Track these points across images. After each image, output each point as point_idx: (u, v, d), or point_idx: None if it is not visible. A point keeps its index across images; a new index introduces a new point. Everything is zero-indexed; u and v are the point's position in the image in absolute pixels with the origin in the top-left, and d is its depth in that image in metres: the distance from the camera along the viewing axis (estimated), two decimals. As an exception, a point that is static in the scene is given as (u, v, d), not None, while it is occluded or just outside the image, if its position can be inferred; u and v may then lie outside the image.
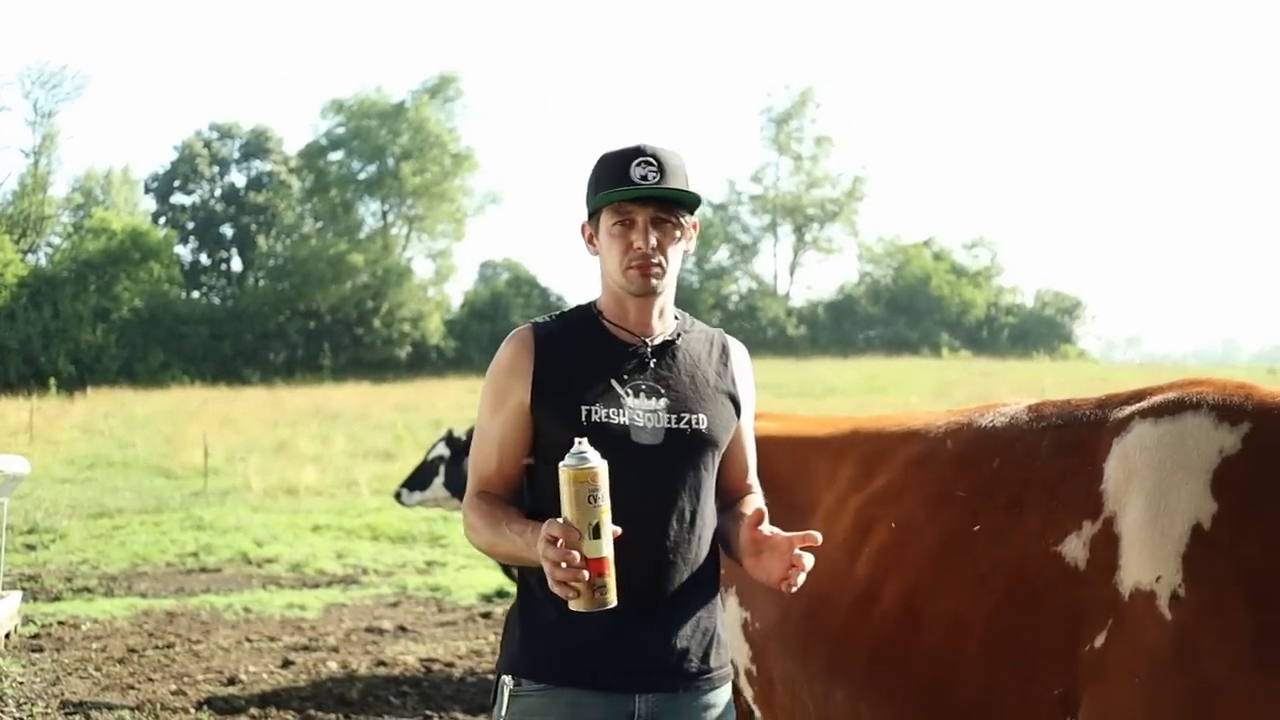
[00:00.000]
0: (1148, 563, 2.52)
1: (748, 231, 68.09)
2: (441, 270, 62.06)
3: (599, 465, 2.16)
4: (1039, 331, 65.43)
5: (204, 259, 60.39)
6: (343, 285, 56.41)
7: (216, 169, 60.70)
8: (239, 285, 59.52)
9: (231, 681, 7.00)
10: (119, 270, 50.39)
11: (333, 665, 7.40)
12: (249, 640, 8.08)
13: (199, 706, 6.48)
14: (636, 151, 2.46)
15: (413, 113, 59.55)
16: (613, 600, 2.16)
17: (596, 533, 2.14)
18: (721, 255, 66.88)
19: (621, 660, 2.33)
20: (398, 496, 8.05)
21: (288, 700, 6.61)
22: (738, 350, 2.65)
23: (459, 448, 7.77)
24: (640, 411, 2.43)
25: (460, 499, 7.76)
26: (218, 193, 60.63)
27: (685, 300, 62.71)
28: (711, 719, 2.44)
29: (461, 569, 10.83)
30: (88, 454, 21.20)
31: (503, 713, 2.39)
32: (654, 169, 2.44)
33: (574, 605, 2.16)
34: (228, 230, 60.10)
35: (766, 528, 2.35)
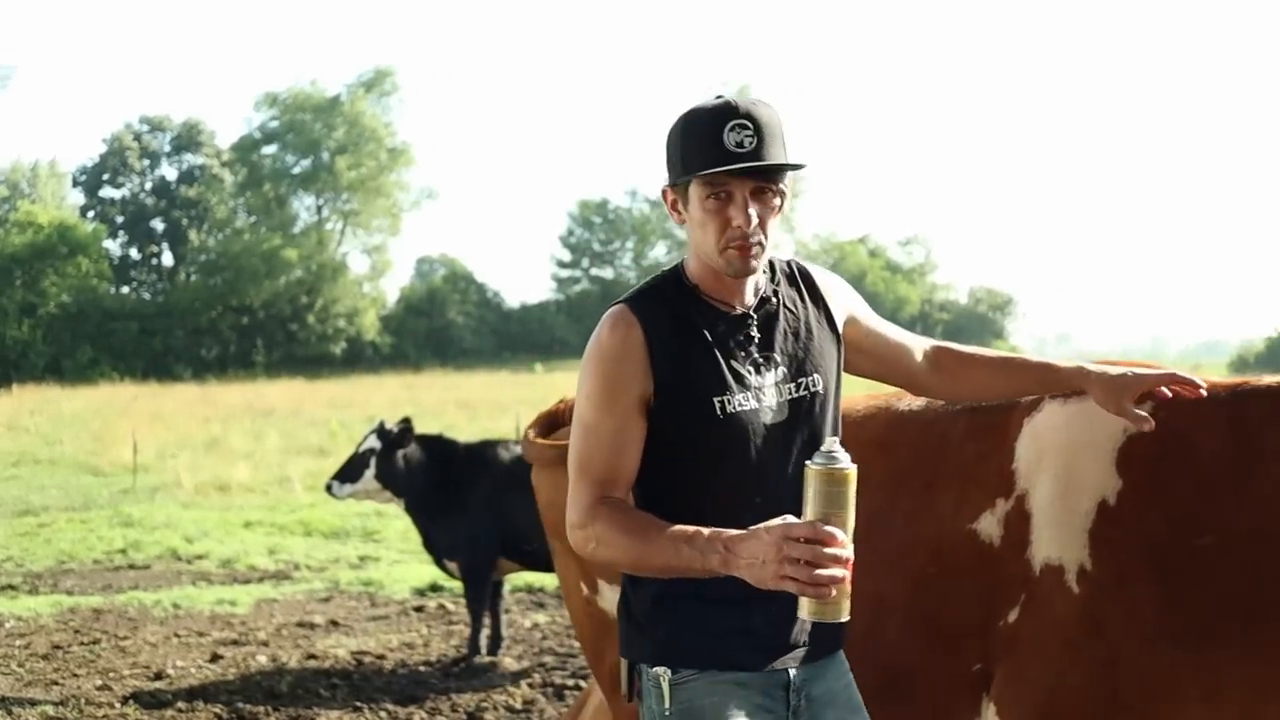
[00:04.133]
0: (1057, 539, 2.59)
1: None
2: (377, 266, 61.65)
3: (853, 467, 2.03)
4: (972, 328, 66.24)
5: (134, 253, 59.54)
6: (276, 281, 55.80)
7: (147, 162, 59.81)
8: (170, 280, 58.69)
9: (158, 676, 6.92)
10: (46, 265, 49.49)
11: (262, 659, 7.35)
12: (177, 636, 7.99)
13: (124, 701, 6.40)
14: (729, 111, 2.21)
15: (348, 106, 59.04)
16: (848, 613, 2.05)
17: (849, 534, 2.02)
18: (659, 251, 67.01)
19: (779, 638, 2.27)
20: (328, 489, 8.00)
21: (215, 694, 6.55)
22: (817, 275, 2.48)
23: (390, 440, 7.74)
24: (765, 389, 2.31)
25: (392, 491, 7.82)
26: (148, 186, 59.76)
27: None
28: (846, 677, 2.45)
29: (395, 563, 10.77)
30: (13, 451, 20.81)
31: (667, 705, 2.30)
32: (750, 133, 2.19)
33: (813, 613, 2.03)
34: (158, 224, 59.27)
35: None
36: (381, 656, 7.43)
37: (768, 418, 2.30)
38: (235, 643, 7.80)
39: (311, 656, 7.41)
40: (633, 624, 2.41)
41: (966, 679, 2.68)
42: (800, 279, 2.46)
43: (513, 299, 64.55)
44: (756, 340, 2.33)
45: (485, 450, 7.85)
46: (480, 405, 28.37)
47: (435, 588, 9.40)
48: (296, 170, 59.68)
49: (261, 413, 27.93)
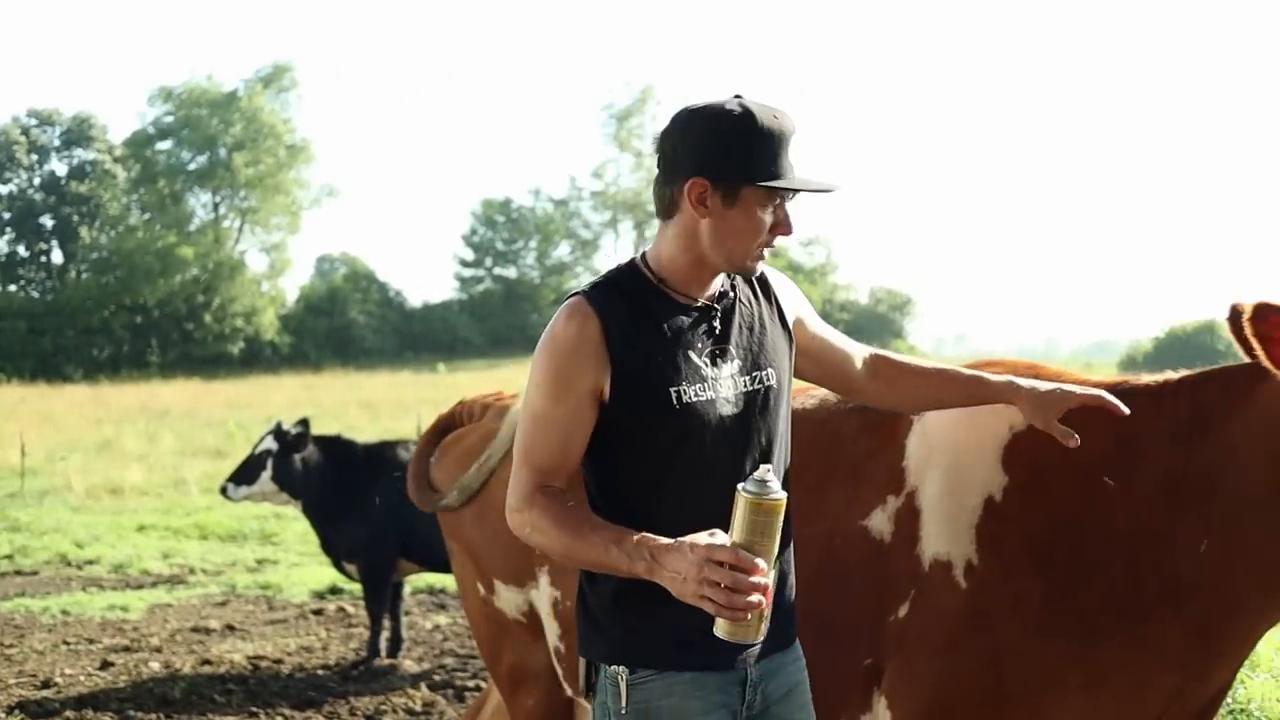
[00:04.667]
0: (945, 535, 2.65)
1: (589, 227, 68.31)
2: (276, 264, 60.66)
3: (783, 496, 2.06)
4: (872, 327, 67.13)
5: (22, 250, 57.79)
6: (171, 279, 54.61)
7: (35, 157, 58.11)
8: (60, 279, 57.11)
9: (46, 685, 6.74)
10: (-72, 262, 47.84)
11: (155, 666, 7.19)
12: (66, 643, 7.79)
13: (10, 711, 6.23)
14: (790, 126, 2.26)
15: (245, 102, 57.99)
16: (764, 633, 2.11)
17: (772, 563, 2.06)
18: (563, 251, 67.05)
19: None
20: (223, 491, 7.87)
21: (105, 702, 6.40)
22: (770, 274, 2.51)
23: (287, 441, 7.63)
24: (721, 380, 2.32)
25: (290, 493, 7.71)
26: (37, 182, 58.06)
27: (525, 295, 63.02)
28: (801, 674, 2.48)
29: (294, 566, 10.62)
30: (-107, 455, 20.10)
31: (623, 704, 2.31)
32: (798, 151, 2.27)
33: (729, 631, 2.06)
34: (47, 221, 57.62)
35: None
36: (279, 661, 7.32)
37: (724, 409, 2.32)
38: (127, 649, 7.62)
39: (206, 662, 7.27)
40: (590, 621, 2.41)
41: (858, 673, 2.73)
42: (757, 280, 2.49)
43: (415, 298, 64.09)
44: (715, 333, 2.35)
45: (385, 451, 7.79)
46: (382, 405, 28.09)
47: (335, 590, 9.29)
48: (192, 166, 58.49)
49: (156, 414, 27.33)
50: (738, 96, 2.28)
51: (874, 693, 2.69)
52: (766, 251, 2.33)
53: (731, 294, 2.41)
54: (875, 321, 69.30)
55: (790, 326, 2.50)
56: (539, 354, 2.32)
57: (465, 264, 65.74)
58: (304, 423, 7.75)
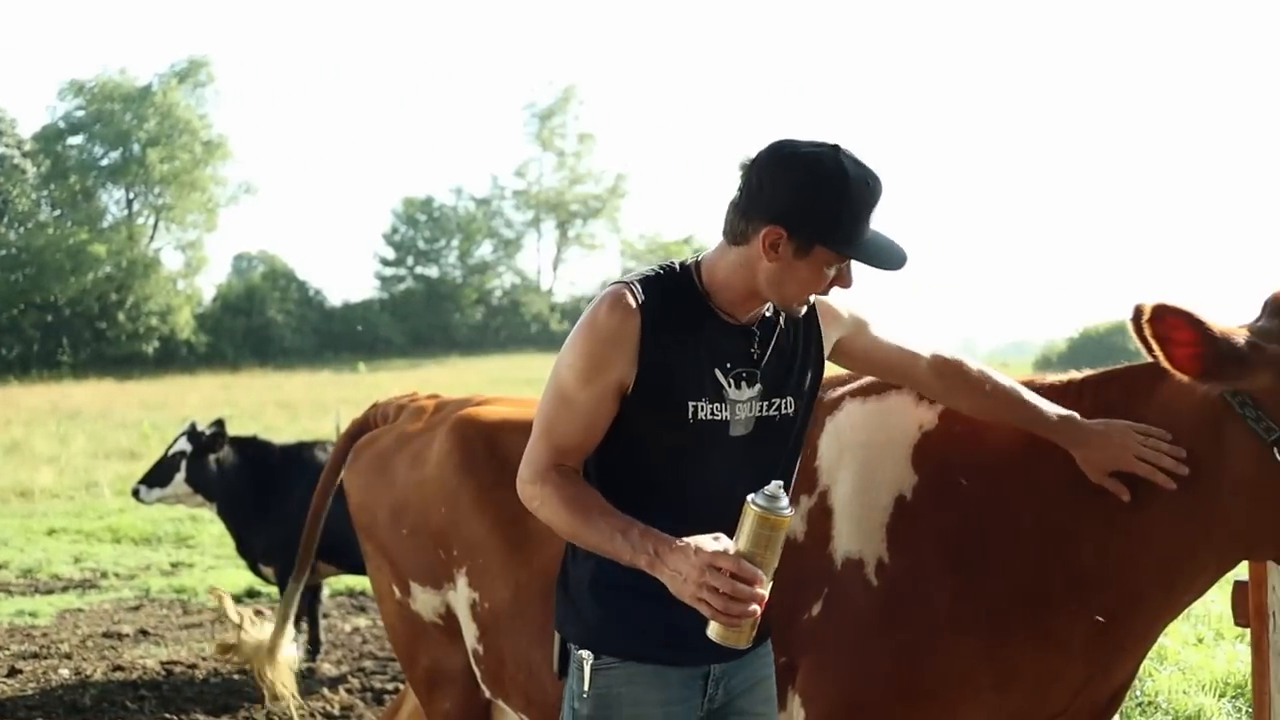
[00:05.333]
0: (856, 533, 2.68)
1: (511, 226, 68.01)
2: (192, 262, 59.52)
3: (791, 513, 2.11)
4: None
5: (-74, 248, 56.18)
6: (83, 277, 53.36)
7: (-60, 151, 56.52)
8: (-34, 276, 55.62)
9: (-50, 694, 6.58)
10: None
11: (65, 672, 7.05)
12: (-28, 650, 7.60)
13: (-87, 722, 6.07)
14: (876, 192, 2.28)
15: (160, 97, 56.86)
16: (753, 640, 2.16)
17: (771, 575, 2.11)
18: (485, 250, 66.60)
19: (703, 636, 2.25)
20: (135, 494, 7.72)
21: (13, 710, 6.26)
22: (821, 303, 2.51)
23: (202, 442, 7.51)
24: (739, 403, 2.37)
25: (204, 495, 7.59)
26: (-58, 177, 56.47)
27: (447, 295, 62.58)
28: (767, 669, 2.54)
29: (210, 569, 10.46)
30: None
31: (585, 687, 2.40)
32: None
33: (722, 635, 2.11)
34: (-47, 217, 56.07)
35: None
36: (194, 666, 7.21)
37: (735, 430, 2.37)
38: (36, 656, 7.46)
39: (118, 668, 7.13)
40: (568, 601, 2.49)
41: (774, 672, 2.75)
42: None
43: (335, 297, 63.26)
44: (749, 356, 2.38)
45: (302, 452, 7.69)
46: (301, 406, 27.77)
47: (252, 593, 9.15)
48: (105, 162, 57.22)
49: (67, 415, 26.71)
50: (836, 148, 2.26)
51: (789, 691, 2.71)
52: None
53: (775, 319, 2.44)
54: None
55: (825, 357, 2.54)
56: (577, 335, 2.35)
57: (386, 263, 65.10)
58: (219, 423, 7.64)
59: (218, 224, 60.02)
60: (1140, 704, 5.86)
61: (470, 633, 3.26)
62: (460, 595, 3.26)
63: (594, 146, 74.30)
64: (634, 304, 2.32)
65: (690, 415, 2.33)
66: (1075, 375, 2.75)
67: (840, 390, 2.88)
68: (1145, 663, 6.21)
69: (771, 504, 2.08)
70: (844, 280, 2.33)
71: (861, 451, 2.74)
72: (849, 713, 2.64)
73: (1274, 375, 2.38)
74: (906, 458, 2.71)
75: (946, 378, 2.65)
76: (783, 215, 2.24)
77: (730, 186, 2.34)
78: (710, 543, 2.12)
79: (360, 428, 3.90)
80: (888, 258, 2.29)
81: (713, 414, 2.34)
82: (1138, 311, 2.38)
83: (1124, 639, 2.62)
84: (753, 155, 2.30)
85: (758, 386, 2.39)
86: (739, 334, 2.39)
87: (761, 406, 2.40)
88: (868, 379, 2.82)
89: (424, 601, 3.39)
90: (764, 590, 2.08)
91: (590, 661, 2.41)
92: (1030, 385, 2.73)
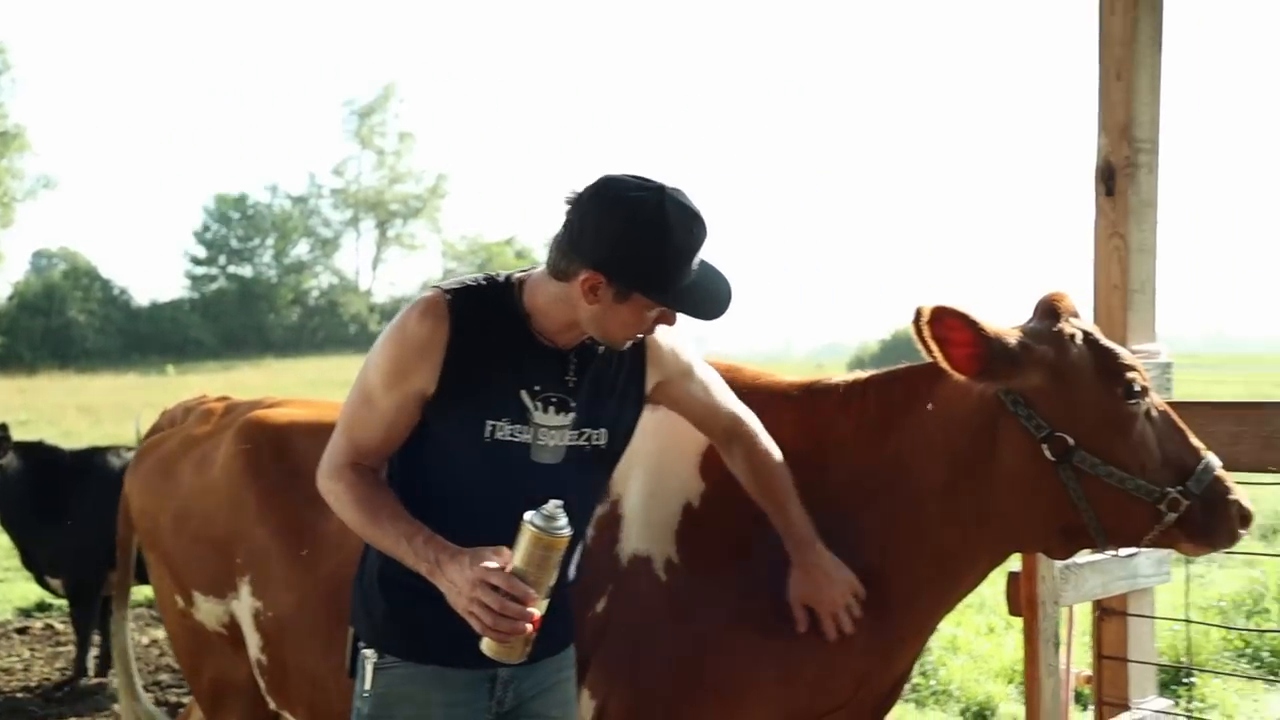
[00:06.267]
0: (645, 536, 2.71)
1: (329, 225, 66.82)
2: (-14, 259, 56.61)
3: (568, 533, 2.09)
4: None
5: None
6: None
7: None
8: None
9: None
10: None
11: None
12: None
13: None
14: (698, 240, 2.22)
15: (-50, 85, 53.94)
16: (527, 657, 2.15)
17: (546, 594, 2.11)
18: (301, 249, 65.26)
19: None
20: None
21: None
22: (650, 341, 2.48)
23: (-22, 450, 7.09)
24: (545, 428, 2.34)
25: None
26: None
27: (262, 295, 61.02)
28: (565, 671, 2.54)
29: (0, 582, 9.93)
30: None
31: (367, 686, 2.40)
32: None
33: (493, 650, 2.11)
34: None
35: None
36: (-21, 681, 6.83)
37: (541, 456, 2.35)
38: None
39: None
40: (361, 596, 2.48)
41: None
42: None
43: (142, 296, 61.18)
44: (562, 382, 2.36)
45: (93, 457, 7.35)
46: (104, 410, 26.73)
47: (42, 607, 8.76)
48: (-112, 153, 53.97)
49: None
50: (661, 190, 2.20)
51: (579, 689, 2.70)
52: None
53: (594, 348, 2.40)
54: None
55: (646, 393, 2.52)
56: (386, 338, 2.33)
57: (197, 261, 63.16)
58: (2, 429, 7.24)
59: (14, 219, 57.09)
60: (935, 693, 6.07)
61: (254, 642, 3.16)
62: (244, 604, 3.16)
63: (414, 145, 73.83)
64: (445, 314, 2.29)
65: (487, 434, 2.30)
66: (861, 375, 2.81)
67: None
68: (939, 653, 6.48)
69: (548, 524, 2.08)
70: (668, 319, 2.32)
71: (651, 460, 2.76)
72: (636, 707, 2.65)
73: (1044, 374, 2.48)
74: (695, 466, 2.75)
75: (732, 446, 2.67)
76: (603, 263, 2.20)
77: (553, 188, 2.32)
78: (489, 556, 2.12)
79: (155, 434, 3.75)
80: (708, 307, 2.27)
81: (513, 435, 2.32)
82: (917, 314, 2.46)
83: (903, 631, 2.70)
84: (578, 191, 2.26)
85: (571, 415, 2.36)
86: (554, 359, 2.36)
87: (573, 435, 2.38)
88: None
89: (207, 611, 3.27)
90: (536, 609, 2.09)
91: (373, 660, 2.40)
92: (818, 385, 2.79)
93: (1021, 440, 2.50)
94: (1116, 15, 3.25)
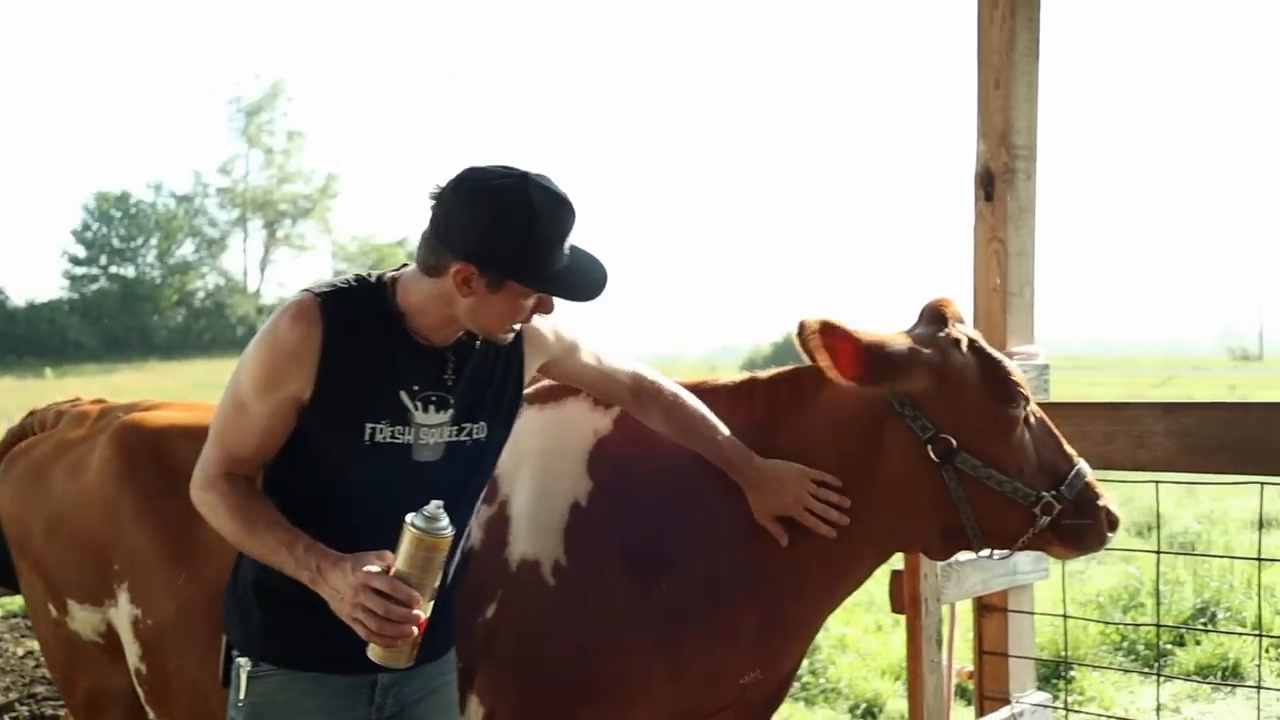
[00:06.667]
0: (534, 538, 2.70)
1: (215, 225, 65.53)
2: None
3: (450, 533, 2.06)
4: (509, 331, 67.90)
5: None
6: None
7: None
8: None
9: None
10: None
11: None
12: None
13: None
14: (566, 225, 2.21)
15: None
16: (414, 659, 2.12)
17: (431, 595, 2.08)
18: (187, 249, 63.90)
19: (364, 645, 2.16)
20: None
21: None
22: (527, 328, 2.46)
23: None
24: (426, 427, 2.30)
25: None
26: None
27: (145, 295, 59.56)
28: (446, 676, 2.52)
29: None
30: None
31: (241, 696, 2.34)
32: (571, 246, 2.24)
33: (380, 656, 2.08)
34: None
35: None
36: None
37: (421, 455, 2.32)
38: None
39: None
40: (234, 604, 2.43)
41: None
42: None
43: (18, 297, 59.14)
44: (441, 380, 2.33)
45: (-36, 463, 7.10)
46: (-23, 414, 25.73)
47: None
48: None
49: None
50: (524, 177, 2.19)
51: (468, 694, 2.69)
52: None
53: (470, 343, 2.38)
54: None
55: (525, 382, 2.52)
56: (257, 344, 2.28)
57: (76, 261, 61.46)
58: None
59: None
60: (824, 690, 6.14)
61: (133, 651, 3.07)
62: (122, 612, 3.08)
63: (304, 144, 72.59)
64: (317, 318, 2.24)
65: (367, 437, 2.27)
66: (748, 376, 2.84)
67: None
68: (828, 651, 6.56)
69: (430, 525, 2.06)
70: (545, 306, 2.31)
71: (538, 459, 2.75)
72: (525, 713, 2.64)
73: (930, 378, 2.55)
74: (583, 465, 2.75)
75: (642, 399, 2.69)
76: (472, 254, 2.18)
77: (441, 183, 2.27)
78: (371, 561, 2.09)
79: (16, 437, 3.62)
80: (583, 288, 2.26)
81: (393, 437, 2.29)
82: (801, 326, 2.50)
83: (789, 630, 2.73)
84: (441, 185, 2.24)
85: (449, 411, 2.34)
86: (431, 357, 2.33)
87: (452, 432, 2.35)
88: (545, 383, 2.83)
89: (83, 620, 3.18)
90: (421, 611, 2.07)
91: (247, 669, 2.35)
92: (706, 386, 2.81)
93: (907, 441, 2.55)
94: (995, 26, 3.34)
